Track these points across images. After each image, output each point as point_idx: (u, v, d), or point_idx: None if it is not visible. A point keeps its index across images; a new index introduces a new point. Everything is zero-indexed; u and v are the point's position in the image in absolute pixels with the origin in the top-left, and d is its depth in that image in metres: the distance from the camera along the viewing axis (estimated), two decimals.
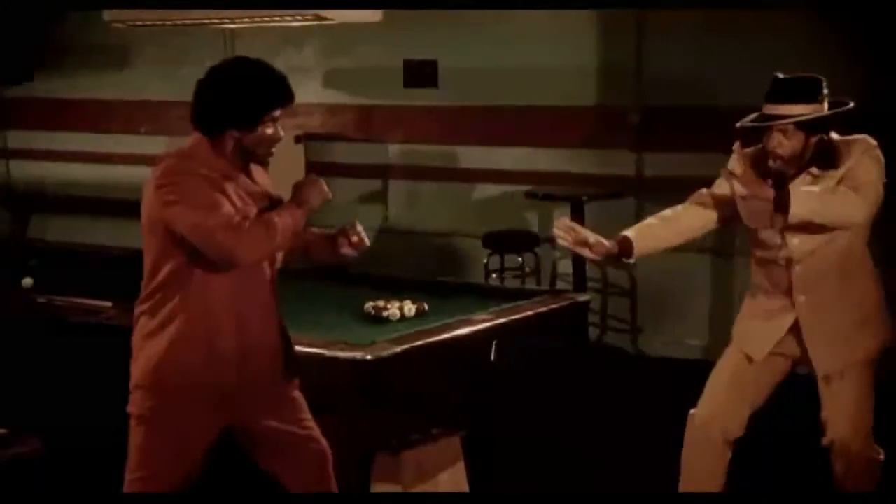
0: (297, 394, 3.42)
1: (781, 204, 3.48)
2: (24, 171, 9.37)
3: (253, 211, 3.21)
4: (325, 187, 3.32)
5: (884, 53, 5.94)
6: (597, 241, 3.79)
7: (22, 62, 8.76)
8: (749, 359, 3.82)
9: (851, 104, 3.66)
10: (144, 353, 3.22)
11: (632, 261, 3.90)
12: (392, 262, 7.25)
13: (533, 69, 7.09)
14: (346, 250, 3.46)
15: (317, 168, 7.66)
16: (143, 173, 9.39)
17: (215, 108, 3.18)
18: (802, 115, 3.55)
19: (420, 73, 7.48)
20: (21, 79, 8.88)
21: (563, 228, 3.82)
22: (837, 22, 5.88)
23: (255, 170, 3.33)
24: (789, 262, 3.71)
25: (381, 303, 4.35)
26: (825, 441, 3.78)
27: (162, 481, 3.26)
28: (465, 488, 4.43)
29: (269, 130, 3.20)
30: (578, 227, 3.84)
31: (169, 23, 6.04)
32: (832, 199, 3.54)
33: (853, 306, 3.74)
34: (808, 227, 3.59)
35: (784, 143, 3.59)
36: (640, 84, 6.81)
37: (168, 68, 8.24)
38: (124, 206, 8.10)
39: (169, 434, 3.23)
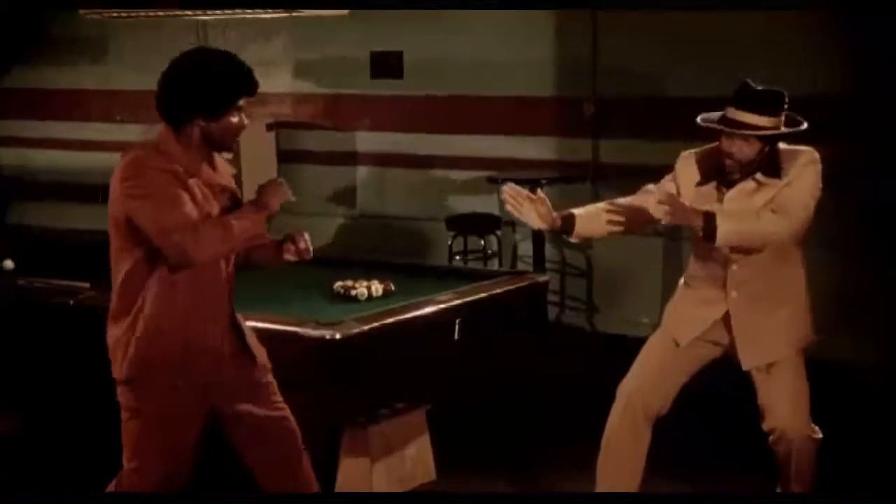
0: (270, 378, 3.40)
1: (707, 234, 3.56)
2: (4, 158, 9.32)
3: (214, 207, 3.20)
4: (288, 191, 3.28)
5: (830, 44, 6.05)
6: (547, 208, 3.78)
7: None
8: (676, 343, 3.85)
9: (805, 125, 3.67)
10: (120, 350, 3.21)
11: (571, 238, 3.90)
12: (360, 244, 7.37)
13: (494, 61, 7.17)
14: (290, 257, 3.41)
15: (287, 155, 7.72)
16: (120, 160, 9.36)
17: (182, 98, 3.13)
18: (766, 127, 3.59)
19: (386, 64, 7.52)
20: None
21: (513, 194, 3.79)
22: (784, 15, 5.94)
23: (218, 160, 3.31)
24: (726, 260, 3.75)
25: (349, 283, 4.43)
26: (765, 426, 3.81)
27: (157, 469, 3.27)
28: (431, 461, 4.54)
29: (235, 119, 3.18)
30: (524, 193, 3.79)
31: (143, 15, 6.06)
32: (756, 225, 3.60)
33: (782, 305, 3.78)
34: None
35: (744, 150, 3.62)
36: (596, 76, 6.90)
37: (142, 59, 8.18)
38: (101, 192, 8.21)
39: (155, 425, 3.23)
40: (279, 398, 3.42)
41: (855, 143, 5.86)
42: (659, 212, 3.77)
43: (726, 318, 3.81)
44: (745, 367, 3.81)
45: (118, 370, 3.24)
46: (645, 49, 6.65)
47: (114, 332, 3.25)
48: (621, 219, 3.87)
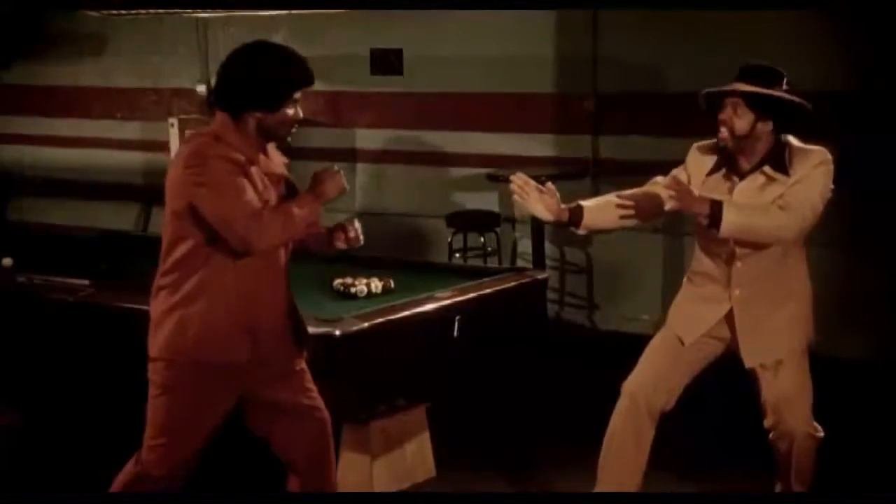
0: (304, 365, 3.45)
1: (712, 222, 3.56)
2: (3, 154, 9.33)
3: (272, 195, 3.26)
4: (344, 180, 3.34)
5: (831, 42, 6.09)
6: (554, 199, 3.76)
7: None
8: (681, 341, 3.84)
9: (798, 100, 3.65)
10: (164, 328, 3.24)
11: (580, 231, 3.87)
12: None
13: (494, 58, 7.18)
14: (341, 244, 3.48)
15: (287, 151, 7.74)
16: (119, 157, 9.56)
17: (240, 89, 3.18)
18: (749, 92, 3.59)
19: (386, 61, 7.53)
20: None
21: (521, 183, 3.77)
22: (785, 11, 6.00)
23: (271, 149, 3.37)
24: (731, 257, 3.74)
25: (349, 280, 4.45)
26: (767, 424, 3.81)
27: (182, 447, 3.31)
28: (430, 457, 4.55)
29: (291, 111, 3.23)
30: (532, 183, 3.77)
31: (142, 12, 6.08)
32: (763, 220, 3.60)
33: (785, 304, 3.77)
34: None
35: (734, 119, 3.61)
36: (596, 72, 6.91)
37: (142, 56, 8.25)
38: (101, 189, 8.23)
39: (187, 403, 3.27)
40: (313, 387, 3.47)
41: (856, 141, 5.87)
42: (666, 199, 3.75)
43: (729, 316, 3.81)
44: (747, 365, 3.81)
45: (163, 346, 3.25)
46: (645, 45, 6.66)
47: (159, 307, 3.28)
48: (629, 210, 3.85)
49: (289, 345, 3.41)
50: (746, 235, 3.64)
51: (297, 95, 3.25)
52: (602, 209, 3.86)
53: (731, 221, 3.55)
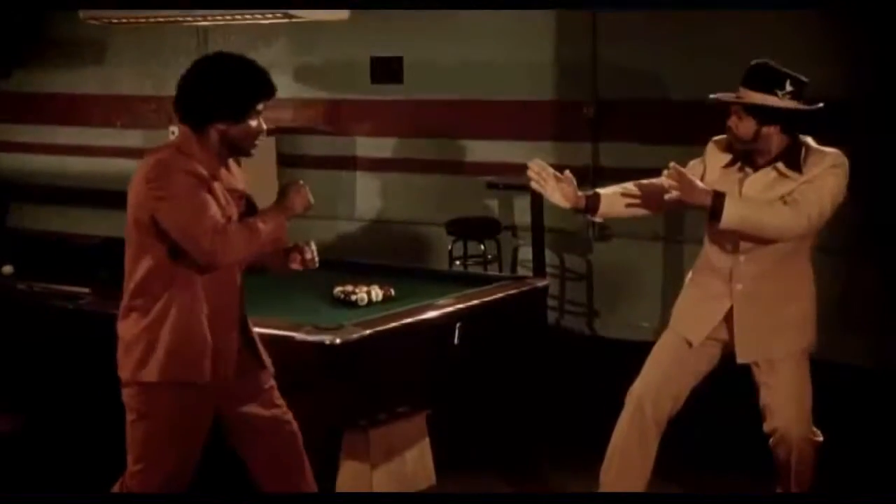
0: (272, 381, 3.44)
1: (714, 212, 3.56)
2: (3, 162, 9.32)
3: (234, 211, 3.24)
4: (309, 195, 3.32)
5: (834, 46, 6.08)
6: (572, 186, 3.75)
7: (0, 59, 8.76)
8: (688, 343, 3.83)
9: (820, 104, 3.68)
10: (135, 351, 3.21)
11: (597, 218, 3.88)
12: (360, 249, 7.38)
13: (493, 65, 7.18)
14: (296, 266, 3.47)
15: (287, 160, 7.74)
16: (120, 165, 9.52)
17: (203, 101, 3.17)
18: (751, 101, 3.60)
19: (386, 69, 7.53)
20: None
21: (538, 171, 3.76)
22: (786, 16, 6.00)
23: (233, 165, 3.34)
24: (735, 250, 3.73)
25: (349, 287, 4.45)
26: (766, 428, 3.80)
27: (162, 471, 3.27)
28: (431, 465, 4.54)
29: (254, 123, 3.21)
30: (549, 170, 3.77)
31: (143, 20, 6.06)
32: (765, 214, 3.59)
33: (786, 305, 3.76)
34: None
35: (737, 125, 3.64)
36: (596, 79, 6.91)
37: (142, 64, 8.29)
38: (101, 196, 8.22)
39: (163, 426, 3.24)
40: (281, 401, 3.45)
41: (856, 145, 5.87)
42: (668, 189, 3.72)
43: (729, 315, 3.80)
44: (740, 360, 3.80)
45: (134, 371, 3.22)
46: (645, 52, 6.66)
47: (129, 329, 3.24)
48: (643, 199, 3.86)
49: (250, 362, 3.39)
50: (747, 228, 3.62)
51: (261, 107, 3.23)
52: (618, 197, 3.87)
53: (732, 213, 3.55)
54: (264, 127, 3.26)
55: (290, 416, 3.46)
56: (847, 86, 6.05)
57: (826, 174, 3.63)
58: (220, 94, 3.17)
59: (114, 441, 3.37)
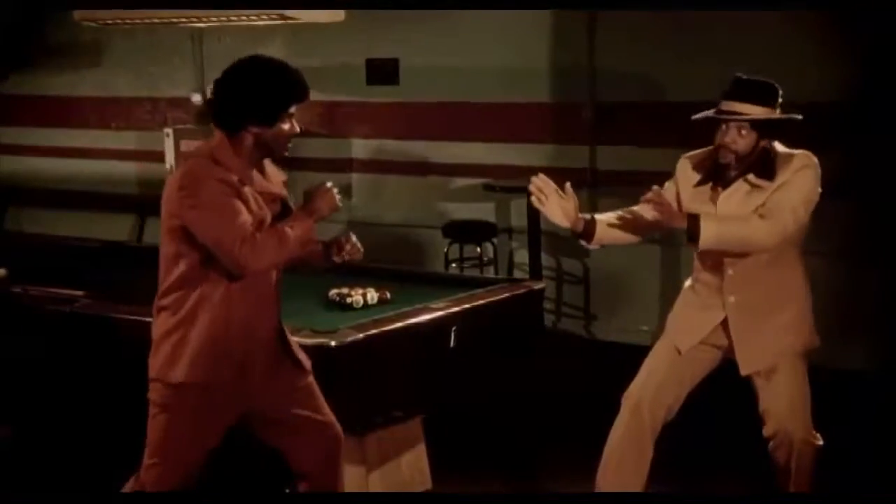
0: (310, 381, 3.46)
1: (691, 235, 3.56)
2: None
3: (267, 215, 3.27)
4: (337, 198, 3.36)
5: (833, 48, 6.08)
6: (575, 206, 3.73)
7: None
8: (678, 350, 3.84)
9: (800, 116, 3.68)
10: (164, 349, 3.25)
11: (592, 246, 3.84)
12: None
13: (490, 67, 7.18)
14: (338, 259, 3.51)
15: (283, 162, 7.76)
16: (115, 167, 9.51)
17: (236, 105, 3.20)
18: (759, 115, 3.59)
19: (382, 71, 7.54)
20: None
21: (540, 185, 3.72)
22: (784, 18, 6.02)
23: (269, 167, 3.38)
24: (722, 263, 3.74)
25: (345, 290, 4.44)
26: (766, 432, 3.81)
27: (179, 467, 3.31)
28: (427, 469, 4.54)
29: (287, 126, 3.24)
30: (553, 187, 3.72)
31: (137, 21, 6.07)
32: (742, 230, 3.59)
33: (781, 310, 3.77)
34: None
35: (738, 141, 3.62)
36: (593, 81, 6.91)
37: (138, 66, 8.27)
38: (98, 199, 8.22)
39: (184, 424, 3.27)
40: (323, 402, 3.48)
41: (854, 150, 5.87)
42: (650, 212, 3.74)
43: (726, 323, 3.80)
44: (743, 372, 3.81)
45: (161, 369, 3.25)
46: (643, 55, 6.67)
47: (160, 327, 3.29)
48: (637, 225, 3.85)
49: (284, 362, 3.42)
50: (726, 247, 3.64)
51: (293, 109, 3.27)
52: (612, 224, 3.84)
53: (708, 235, 3.56)
54: (297, 129, 3.29)
55: (331, 419, 3.49)
56: (843, 87, 6.05)
57: (795, 177, 3.64)
58: (254, 98, 3.20)
59: (108, 445, 3.36)
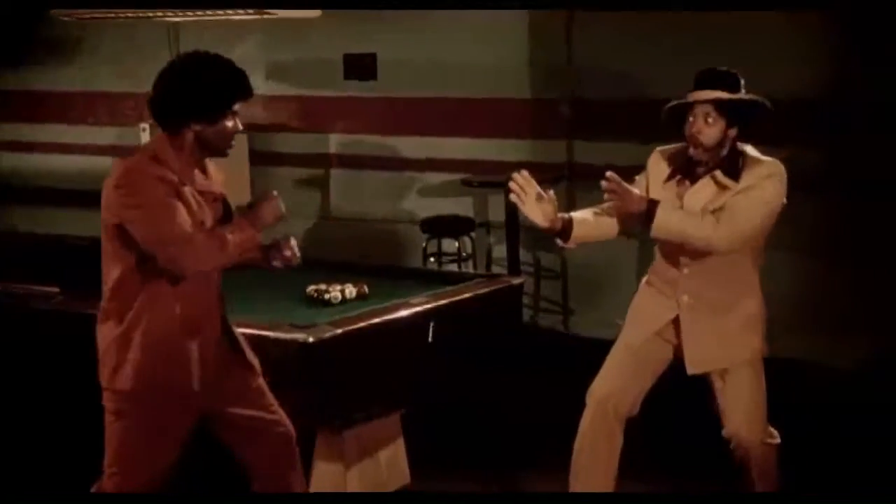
0: (260, 380, 3.45)
1: (648, 218, 3.57)
2: None
3: (207, 215, 3.23)
4: (282, 207, 3.31)
5: (811, 45, 6.10)
6: (553, 207, 3.73)
7: None
8: (630, 344, 3.89)
9: (767, 102, 3.68)
10: (110, 355, 3.22)
11: (569, 245, 3.84)
12: (334, 247, 7.36)
13: (469, 63, 7.17)
14: (277, 263, 3.46)
15: (259, 157, 7.72)
16: (94, 162, 9.45)
17: (178, 102, 3.15)
18: (721, 97, 3.58)
19: (359, 66, 7.51)
20: None
21: (521, 184, 3.70)
22: (763, 15, 6.02)
23: (210, 166, 3.33)
24: (679, 262, 3.77)
25: (322, 286, 4.43)
26: (725, 432, 3.83)
27: (138, 475, 3.28)
28: (405, 465, 4.54)
29: (230, 123, 3.20)
30: (534, 184, 3.71)
31: (112, 15, 6.02)
32: (692, 225, 3.59)
33: (732, 314, 3.77)
34: None
35: (705, 130, 3.61)
36: (571, 77, 6.92)
37: (115, 61, 8.24)
38: (75, 195, 8.16)
39: (139, 431, 3.25)
40: (271, 401, 3.46)
41: (826, 143, 5.91)
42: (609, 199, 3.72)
43: (677, 321, 3.83)
44: (689, 372, 3.83)
45: (110, 377, 3.23)
46: (620, 51, 6.67)
47: (105, 335, 3.25)
48: (612, 221, 3.86)
49: (235, 364, 3.40)
50: (675, 239, 3.65)
51: (237, 107, 3.23)
52: (588, 222, 3.85)
53: (660, 223, 3.57)
54: (240, 127, 3.25)
55: (283, 416, 3.47)
56: (829, 87, 6.06)
57: (760, 184, 3.63)
58: (195, 95, 3.15)
59: (88, 443, 3.36)
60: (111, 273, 3.21)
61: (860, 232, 6.09)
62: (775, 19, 6.03)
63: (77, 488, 3.48)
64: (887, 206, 5.99)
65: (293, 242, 3.47)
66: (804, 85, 5.99)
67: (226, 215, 3.34)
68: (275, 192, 3.34)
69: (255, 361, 3.46)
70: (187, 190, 3.18)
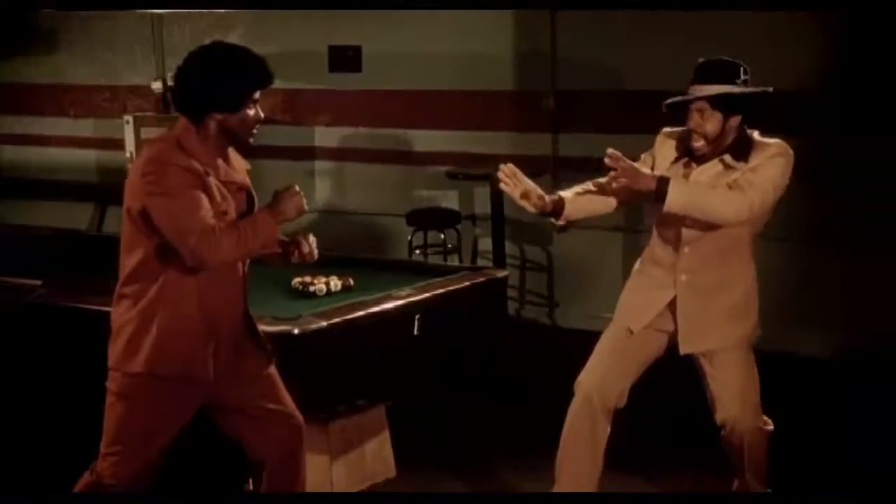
0: (273, 371, 3.45)
1: (659, 194, 3.57)
2: None
3: (231, 206, 3.24)
4: (304, 202, 3.32)
5: (795, 38, 6.14)
6: (539, 195, 3.75)
7: None
8: (629, 331, 3.87)
9: (770, 89, 3.70)
10: (123, 338, 3.22)
11: (560, 222, 3.84)
12: (319, 239, 7.34)
13: (453, 55, 7.18)
14: (296, 260, 3.50)
15: (246, 150, 7.73)
16: (73, 155, 9.41)
17: (200, 92, 3.17)
18: (711, 92, 3.60)
19: (344, 58, 7.51)
20: None
21: (509, 174, 3.74)
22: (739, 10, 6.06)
23: (233, 155, 3.35)
24: (679, 241, 3.77)
25: (308, 278, 4.42)
26: (716, 419, 3.83)
27: (136, 458, 3.28)
28: (391, 457, 4.55)
29: (251, 111, 3.21)
30: (521, 175, 3.75)
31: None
32: (709, 196, 3.61)
33: (727, 295, 3.79)
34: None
35: (702, 124, 3.64)
36: (555, 70, 6.93)
37: (95, 53, 8.19)
38: (54, 187, 8.14)
39: (142, 414, 3.24)
40: (284, 392, 3.47)
41: (821, 136, 5.92)
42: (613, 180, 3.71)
43: (673, 305, 3.83)
44: (682, 351, 3.83)
45: (121, 359, 3.22)
46: (604, 43, 6.69)
47: (120, 316, 3.25)
48: (604, 197, 3.86)
49: (249, 350, 3.40)
50: (691, 211, 3.64)
51: (257, 95, 3.24)
52: (579, 198, 3.87)
53: (675, 196, 3.57)
54: (261, 115, 3.26)
55: (293, 409, 3.47)
56: (812, 80, 6.09)
57: (769, 163, 3.66)
58: (217, 84, 3.17)
59: (68, 435, 3.33)
60: (131, 257, 3.21)
61: (838, 220, 6.13)
62: (760, 12, 6.04)
63: (63, 482, 3.45)
64: (864, 194, 6.02)
65: (312, 239, 3.49)
66: (793, 78, 5.99)
67: (249, 205, 3.35)
68: (297, 187, 3.34)
69: (270, 351, 3.47)
70: (211, 180, 3.18)
